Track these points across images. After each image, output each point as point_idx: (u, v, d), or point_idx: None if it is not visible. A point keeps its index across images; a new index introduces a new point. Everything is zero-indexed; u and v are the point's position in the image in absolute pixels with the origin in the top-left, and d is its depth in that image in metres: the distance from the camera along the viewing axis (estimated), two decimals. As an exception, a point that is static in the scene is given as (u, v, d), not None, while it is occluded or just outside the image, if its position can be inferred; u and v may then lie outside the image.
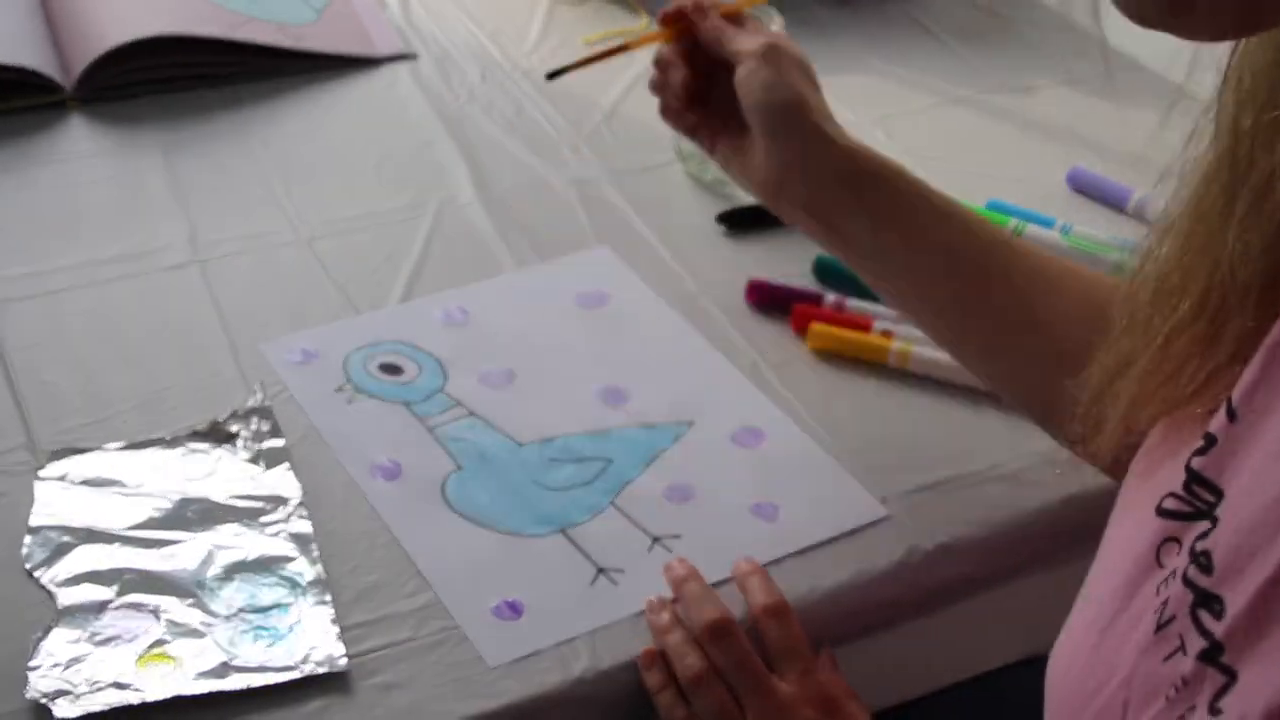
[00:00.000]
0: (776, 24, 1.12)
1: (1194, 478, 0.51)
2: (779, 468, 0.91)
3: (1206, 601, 0.48)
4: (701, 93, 0.93)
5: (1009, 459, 0.91)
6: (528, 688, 0.78)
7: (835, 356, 0.99)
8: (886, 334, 0.98)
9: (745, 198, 1.13)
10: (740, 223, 1.11)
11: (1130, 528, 0.55)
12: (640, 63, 1.30)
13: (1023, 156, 1.11)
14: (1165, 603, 0.49)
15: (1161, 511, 0.52)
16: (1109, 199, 1.12)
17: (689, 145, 1.15)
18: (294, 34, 1.29)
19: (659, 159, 1.18)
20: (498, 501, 0.88)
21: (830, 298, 1.02)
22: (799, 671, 0.77)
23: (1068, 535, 0.88)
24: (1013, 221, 1.09)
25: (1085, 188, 1.13)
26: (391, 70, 1.29)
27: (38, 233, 1.09)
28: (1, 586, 0.82)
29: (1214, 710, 0.46)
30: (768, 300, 1.03)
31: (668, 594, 0.82)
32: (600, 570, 0.84)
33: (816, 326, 0.99)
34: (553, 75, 0.97)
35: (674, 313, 1.03)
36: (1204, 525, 0.50)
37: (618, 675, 0.79)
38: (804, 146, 0.87)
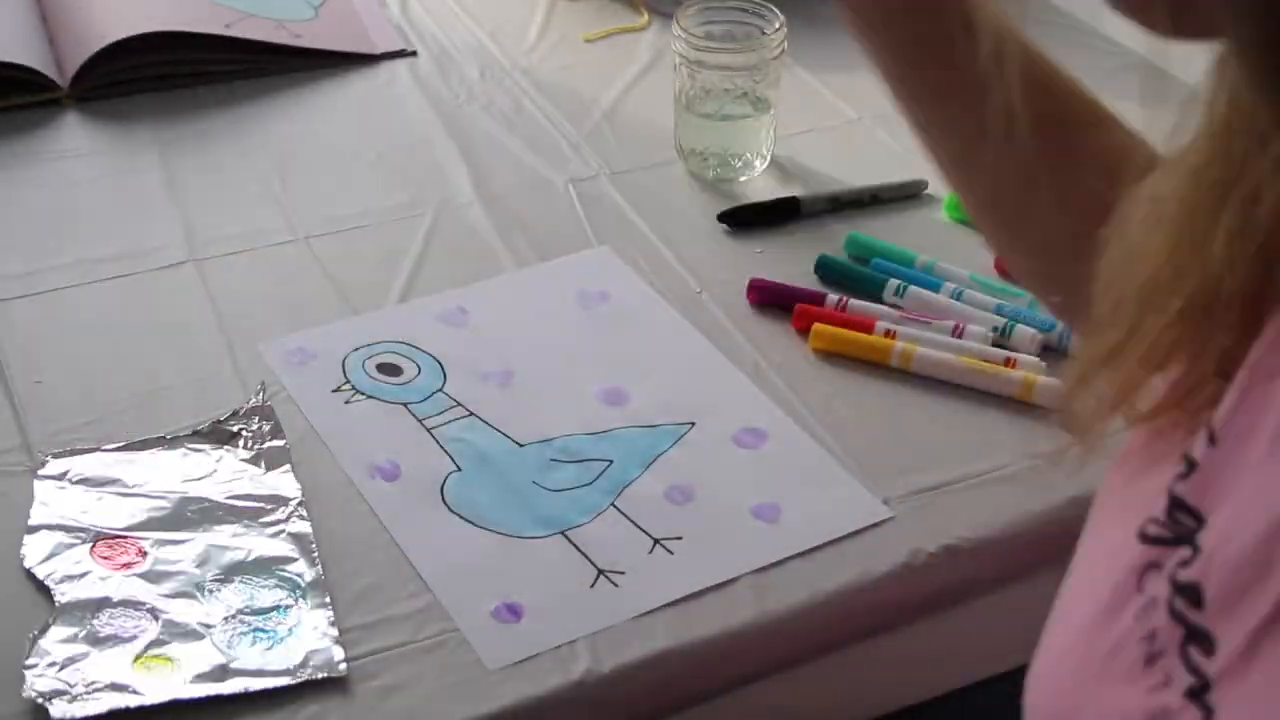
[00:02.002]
0: (778, 21, 1.11)
1: (1176, 504, 0.50)
2: (780, 469, 0.90)
3: (1197, 637, 0.47)
4: None
5: (1013, 460, 0.91)
6: (527, 690, 0.77)
7: (837, 357, 0.98)
8: (889, 334, 0.98)
9: (747, 196, 1.13)
10: (742, 221, 1.10)
11: (1109, 547, 0.54)
12: (640, 61, 1.29)
13: (1025, 155, 1.10)
14: (1152, 635, 0.49)
15: (1144, 537, 0.51)
16: (1112, 198, 1.11)
17: (690, 143, 1.15)
18: (292, 31, 1.28)
19: (659, 158, 1.17)
20: (497, 503, 0.88)
21: (832, 298, 1.01)
22: None
23: (1072, 537, 0.87)
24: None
25: (1088, 187, 1.13)
26: (390, 68, 1.29)
27: (33, 231, 1.08)
28: (-2, 587, 0.81)
29: None
30: (769, 300, 1.02)
31: (668, 597, 0.82)
32: (601, 572, 0.84)
33: (819, 327, 0.99)
34: None
35: (675, 312, 1.02)
36: (1185, 552, 0.49)
37: (618, 678, 0.79)
38: None
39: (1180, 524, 0.49)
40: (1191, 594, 0.47)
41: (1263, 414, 0.47)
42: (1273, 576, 0.44)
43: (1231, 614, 0.46)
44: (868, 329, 0.99)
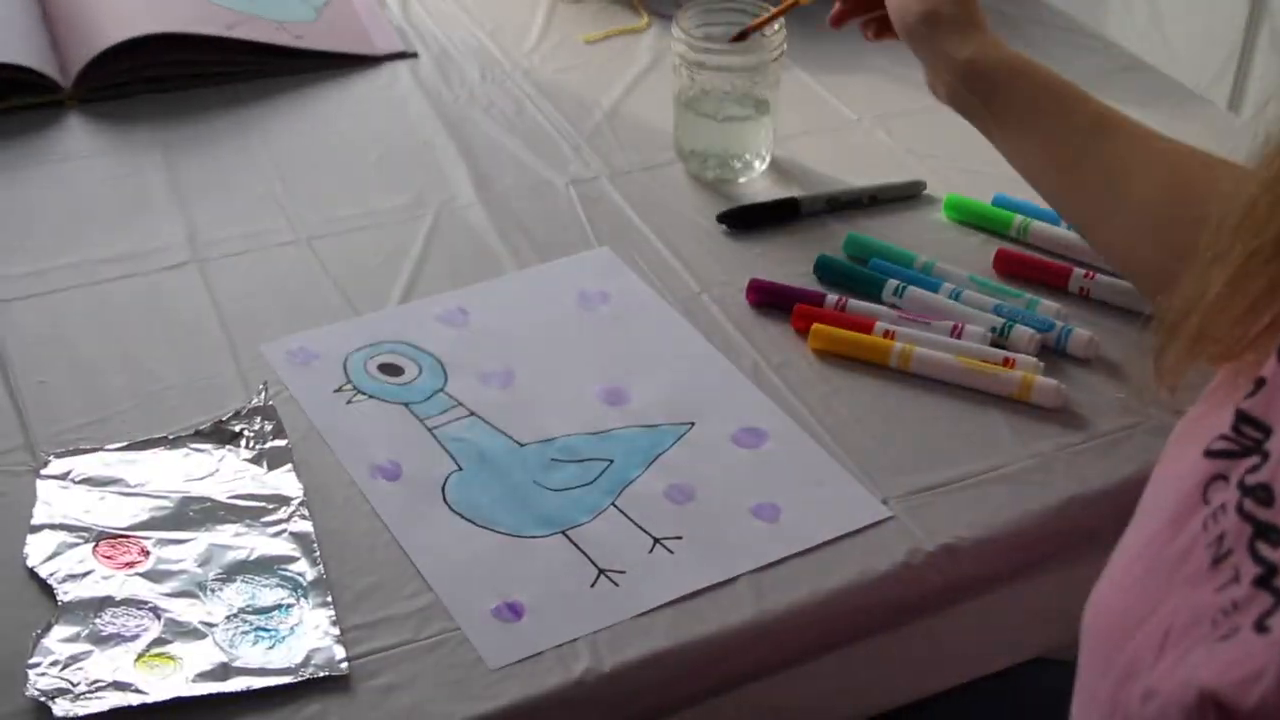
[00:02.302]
0: (777, 23, 1.11)
1: (1242, 418, 0.53)
2: (780, 468, 0.91)
3: (1266, 533, 0.49)
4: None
5: (1011, 460, 0.91)
6: (528, 689, 0.78)
7: (836, 357, 0.98)
8: (888, 335, 0.98)
9: (747, 196, 1.13)
10: (741, 222, 1.10)
11: (1176, 471, 0.56)
12: (640, 62, 1.30)
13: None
14: (1220, 537, 0.51)
15: (1209, 452, 0.53)
16: (1111, 199, 1.12)
17: (690, 144, 1.15)
18: (293, 32, 1.29)
19: (659, 159, 1.17)
20: (498, 502, 0.88)
21: (832, 298, 1.02)
22: None
23: (1070, 536, 0.88)
24: (1018, 218, 1.09)
25: (1087, 187, 1.13)
26: (391, 69, 1.29)
27: (36, 232, 1.09)
28: (1, 585, 0.81)
29: (1261, 628, 0.47)
30: (769, 300, 1.02)
31: (668, 596, 0.82)
32: (601, 572, 0.84)
33: (818, 327, 0.99)
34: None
35: (675, 313, 1.02)
36: (1252, 460, 0.51)
37: (619, 677, 0.79)
38: (930, 59, 1.00)
39: (1246, 436, 0.52)
40: (1262, 494, 0.50)
41: None
42: None
43: None
44: (867, 329, 0.99)
